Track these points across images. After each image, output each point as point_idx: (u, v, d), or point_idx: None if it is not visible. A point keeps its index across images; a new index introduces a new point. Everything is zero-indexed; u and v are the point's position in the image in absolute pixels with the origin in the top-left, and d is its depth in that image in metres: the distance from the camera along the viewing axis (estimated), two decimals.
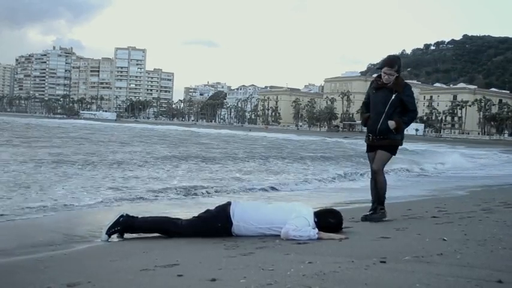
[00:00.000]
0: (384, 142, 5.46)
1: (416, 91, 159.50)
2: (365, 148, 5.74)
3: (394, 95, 5.39)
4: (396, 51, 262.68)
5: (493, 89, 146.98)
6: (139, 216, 4.65)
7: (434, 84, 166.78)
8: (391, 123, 5.36)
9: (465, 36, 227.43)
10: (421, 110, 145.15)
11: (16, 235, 4.99)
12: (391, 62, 5.46)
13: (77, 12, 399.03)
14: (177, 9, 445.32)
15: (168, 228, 4.43)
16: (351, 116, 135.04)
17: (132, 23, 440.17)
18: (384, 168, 5.60)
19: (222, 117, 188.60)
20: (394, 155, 5.60)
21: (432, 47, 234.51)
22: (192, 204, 7.31)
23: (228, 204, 4.42)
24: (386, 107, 5.36)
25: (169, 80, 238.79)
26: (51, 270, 3.16)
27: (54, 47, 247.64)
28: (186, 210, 6.26)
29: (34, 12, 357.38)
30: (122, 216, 4.42)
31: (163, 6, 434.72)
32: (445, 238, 4.04)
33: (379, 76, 5.50)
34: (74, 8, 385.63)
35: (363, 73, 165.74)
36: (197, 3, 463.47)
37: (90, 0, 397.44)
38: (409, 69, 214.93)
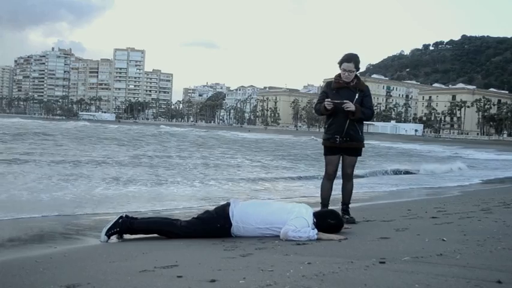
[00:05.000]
0: (352, 144, 5.38)
1: (415, 91, 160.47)
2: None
3: (357, 94, 5.32)
4: (395, 52, 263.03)
5: (491, 89, 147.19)
6: (139, 217, 4.65)
7: (433, 85, 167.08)
8: (352, 106, 5.20)
9: (464, 36, 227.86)
10: (420, 110, 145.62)
11: (15, 235, 4.99)
12: (349, 57, 5.33)
13: (78, 15, 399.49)
14: (176, 11, 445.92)
15: (167, 229, 4.42)
16: None
17: (132, 24, 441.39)
18: None
19: (221, 118, 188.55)
20: (360, 156, 5.59)
21: (431, 48, 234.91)
22: None
23: (227, 204, 4.41)
24: None
25: (168, 81, 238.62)
26: (50, 272, 3.15)
27: (53, 48, 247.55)
28: None
29: (36, 15, 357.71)
30: (121, 217, 4.41)
31: (163, 7, 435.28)
32: (444, 238, 4.04)
33: (338, 76, 5.38)
34: (75, 10, 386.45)
35: (362, 73, 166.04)
36: (196, 4, 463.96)
37: (92, 2, 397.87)
38: (407, 69, 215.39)
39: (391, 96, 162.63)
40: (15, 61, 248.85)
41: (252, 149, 30.02)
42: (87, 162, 14.41)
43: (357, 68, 5.37)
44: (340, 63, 5.33)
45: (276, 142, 44.58)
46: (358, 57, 5.40)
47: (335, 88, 5.39)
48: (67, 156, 16.64)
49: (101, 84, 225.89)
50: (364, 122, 5.65)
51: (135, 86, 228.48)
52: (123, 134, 44.89)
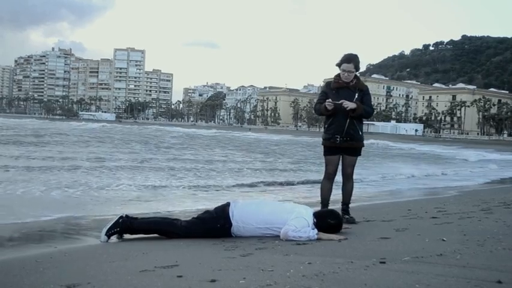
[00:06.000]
0: (352, 144, 5.38)
1: (415, 91, 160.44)
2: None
3: (357, 94, 5.33)
4: (395, 52, 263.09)
5: (492, 89, 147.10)
6: (139, 217, 4.66)
7: (434, 85, 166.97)
8: (352, 104, 5.21)
9: (464, 36, 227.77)
10: (420, 110, 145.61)
11: (15, 235, 4.99)
12: (348, 58, 5.34)
13: (79, 15, 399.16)
14: (177, 11, 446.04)
15: (167, 229, 4.42)
16: None
17: (132, 24, 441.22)
18: None
19: (221, 117, 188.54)
20: (359, 156, 5.59)
21: (431, 48, 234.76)
22: None
23: (227, 204, 4.41)
24: None
25: (169, 80, 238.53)
26: (50, 272, 3.15)
27: (53, 48, 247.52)
28: None
29: (37, 15, 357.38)
30: (121, 217, 4.42)
31: (164, 7, 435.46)
32: (444, 238, 4.04)
33: (338, 75, 5.39)
34: (76, 10, 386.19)
35: (362, 73, 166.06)
36: (197, 5, 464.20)
37: (93, 2, 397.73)
38: (408, 69, 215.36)
39: (391, 96, 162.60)
40: (15, 61, 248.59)
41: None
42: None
43: (357, 69, 5.37)
44: (340, 63, 5.34)
45: (302, 143, 43.80)
46: (358, 58, 5.40)
47: (335, 88, 5.40)
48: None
49: (101, 84, 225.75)
50: (364, 122, 5.65)
51: (135, 86, 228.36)
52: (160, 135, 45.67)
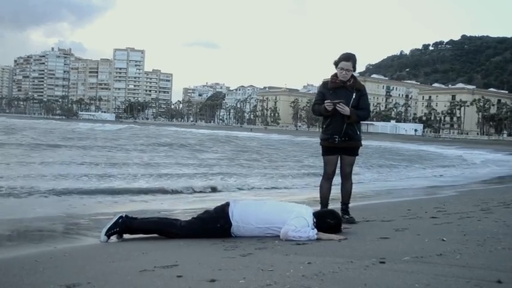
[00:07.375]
0: (350, 144, 5.38)
1: (415, 91, 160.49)
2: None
3: (354, 94, 5.33)
4: (395, 52, 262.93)
5: (491, 89, 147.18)
6: (139, 217, 4.66)
7: (433, 85, 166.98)
8: (346, 109, 5.20)
9: (464, 36, 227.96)
10: (420, 110, 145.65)
11: (14, 234, 4.99)
12: (347, 56, 5.33)
13: (79, 15, 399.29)
14: (177, 11, 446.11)
15: (167, 229, 4.42)
16: None
17: (132, 24, 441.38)
18: None
19: (221, 117, 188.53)
20: (357, 155, 5.59)
21: (431, 48, 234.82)
22: None
23: (227, 204, 4.41)
24: (348, 106, 5.25)
25: (168, 80, 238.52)
26: (50, 271, 3.15)
27: (52, 48, 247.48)
28: None
29: (37, 15, 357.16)
30: (121, 217, 4.41)
31: (164, 8, 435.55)
32: (444, 238, 4.05)
33: (335, 75, 5.38)
34: (76, 10, 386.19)
35: (361, 73, 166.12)
36: (197, 5, 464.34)
37: (93, 2, 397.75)
38: (407, 69, 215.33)
39: (391, 96, 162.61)
40: (15, 61, 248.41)
41: None
42: None
43: (354, 69, 5.37)
44: (338, 61, 5.33)
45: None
46: (356, 58, 5.40)
47: (332, 88, 5.39)
48: None
49: (100, 84, 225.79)
50: (364, 122, 5.65)
51: (134, 86, 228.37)
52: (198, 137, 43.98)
